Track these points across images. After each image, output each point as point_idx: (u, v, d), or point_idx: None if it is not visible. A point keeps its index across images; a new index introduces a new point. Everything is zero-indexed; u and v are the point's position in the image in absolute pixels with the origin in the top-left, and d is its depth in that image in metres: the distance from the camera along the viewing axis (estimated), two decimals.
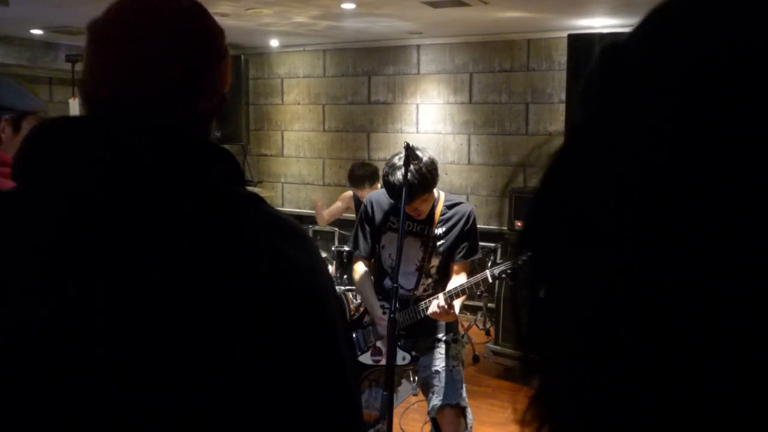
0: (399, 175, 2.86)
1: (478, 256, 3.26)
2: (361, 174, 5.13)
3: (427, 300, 2.97)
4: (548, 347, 0.35)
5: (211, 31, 0.91)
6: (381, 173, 5.05)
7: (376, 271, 3.23)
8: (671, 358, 0.28)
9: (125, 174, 0.78)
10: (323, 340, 0.81)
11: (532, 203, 0.37)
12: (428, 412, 3.12)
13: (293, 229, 0.85)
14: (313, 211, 5.58)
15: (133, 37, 0.84)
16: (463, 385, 3.08)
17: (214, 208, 0.80)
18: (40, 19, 5.54)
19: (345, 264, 4.78)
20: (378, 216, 3.14)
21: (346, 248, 4.85)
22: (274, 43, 7.02)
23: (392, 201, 3.07)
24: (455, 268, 3.12)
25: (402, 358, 3.09)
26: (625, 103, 0.33)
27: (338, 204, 5.56)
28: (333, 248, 5.03)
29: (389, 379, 2.61)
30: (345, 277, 4.77)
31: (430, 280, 3.12)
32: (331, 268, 5.13)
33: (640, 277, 0.29)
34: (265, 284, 0.77)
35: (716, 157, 0.28)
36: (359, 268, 3.23)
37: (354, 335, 3.21)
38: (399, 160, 2.90)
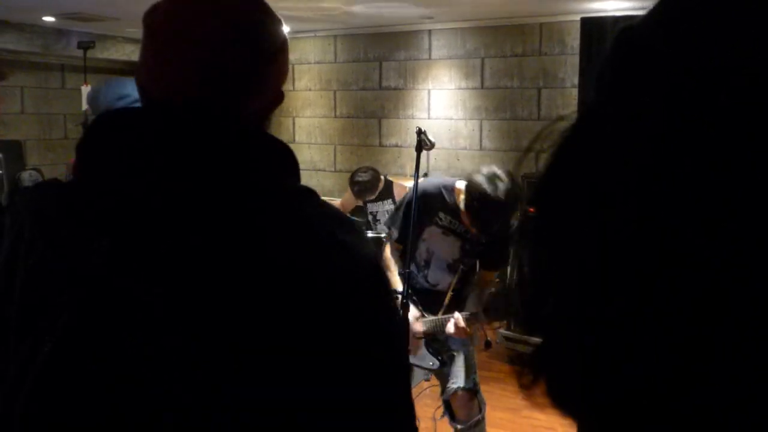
0: (501, 188, 2.69)
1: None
2: (359, 189, 5.09)
3: (448, 316, 2.94)
4: (550, 301, 0.36)
5: (269, 25, 0.89)
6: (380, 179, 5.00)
7: (407, 259, 3.11)
8: (665, 311, 0.30)
9: (183, 173, 0.77)
10: (388, 334, 0.81)
11: (547, 169, 0.38)
12: (441, 394, 3.13)
13: (350, 222, 0.86)
14: (325, 198, 5.57)
15: (188, 32, 0.83)
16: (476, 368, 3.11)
17: (276, 202, 0.80)
18: (52, 6, 5.55)
19: None
20: (426, 207, 2.96)
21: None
22: (284, 28, 7.01)
23: (446, 198, 2.94)
24: (483, 274, 3.13)
25: (431, 362, 3.08)
26: (636, 89, 0.33)
27: (347, 194, 5.55)
28: None
29: None
30: None
31: (456, 278, 3.10)
32: None
33: (641, 238, 0.30)
34: (334, 276, 0.77)
35: (721, 142, 0.28)
36: (388, 253, 3.15)
37: None
38: (493, 184, 2.72)
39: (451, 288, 3.04)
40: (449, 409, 3.14)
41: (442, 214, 3.00)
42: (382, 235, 4.85)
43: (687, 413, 0.29)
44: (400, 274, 2.96)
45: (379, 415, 0.79)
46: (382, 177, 5.27)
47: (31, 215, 0.83)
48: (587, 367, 0.33)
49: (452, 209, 2.92)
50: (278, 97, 0.93)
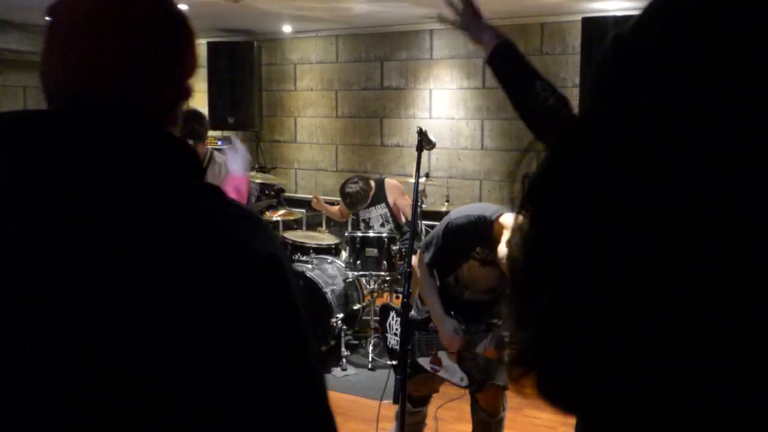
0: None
1: None
2: (351, 202, 4.99)
3: (481, 336, 2.92)
4: (544, 296, 0.36)
5: (172, 18, 0.89)
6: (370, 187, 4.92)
7: (442, 285, 3.04)
8: (663, 304, 0.30)
9: (76, 173, 0.77)
10: (288, 331, 0.80)
11: (543, 168, 0.38)
12: (470, 387, 3.11)
13: (252, 218, 0.84)
14: (327, 197, 5.57)
15: (84, 30, 0.83)
16: None
17: (168, 201, 0.79)
18: (43, 3, 5.55)
19: (358, 249, 4.78)
20: (462, 245, 2.88)
21: (359, 233, 4.86)
22: (286, 29, 7.01)
23: (484, 233, 2.78)
24: None
25: (460, 378, 3.08)
26: (634, 87, 0.33)
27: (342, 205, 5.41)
28: (346, 233, 5.02)
29: (402, 363, 2.62)
30: (358, 262, 4.78)
31: (492, 296, 3.06)
32: (344, 254, 5.14)
33: (638, 232, 0.31)
34: (226, 274, 0.76)
35: (719, 137, 0.28)
36: (426, 274, 3.01)
37: (416, 335, 3.12)
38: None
39: (488, 306, 3.03)
40: (476, 402, 3.16)
41: (479, 249, 2.88)
42: (384, 234, 4.82)
43: (685, 407, 0.29)
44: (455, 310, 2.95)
45: (283, 421, 0.78)
46: (372, 183, 5.10)
47: None
48: (584, 362, 0.33)
49: (490, 242, 2.77)
50: (184, 93, 0.91)
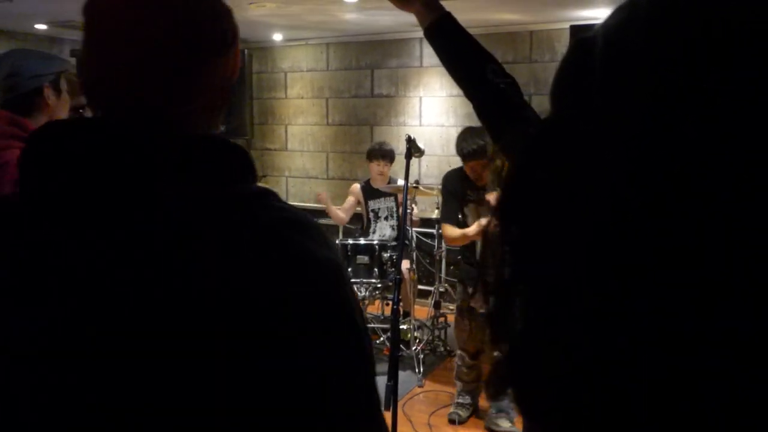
0: (471, 144, 3.60)
1: None
2: (387, 151, 5.37)
3: None
4: (516, 310, 0.36)
5: (218, 16, 0.85)
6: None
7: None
8: (642, 313, 0.29)
9: (129, 180, 0.74)
10: (347, 336, 0.78)
11: (511, 181, 0.38)
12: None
13: (309, 223, 0.81)
14: (318, 205, 5.57)
15: (127, 30, 0.79)
16: None
17: (226, 207, 0.76)
18: (44, 13, 5.55)
19: (349, 257, 4.79)
20: (456, 189, 3.81)
21: (350, 241, 4.87)
22: (277, 37, 7.02)
23: (462, 176, 3.80)
24: None
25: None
26: (614, 89, 0.33)
27: (350, 199, 5.54)
28: (337, 241, 5.04)
29: (393, 368, 2.63)
30: (349, 269, 4.78)
31: None
32: None
33: (618, 237, 0.30)
34: (287, 280, 0.74)
35: (706, 137, 0.28)
36: (452, 227, 3.81)
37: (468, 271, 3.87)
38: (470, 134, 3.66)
39: None
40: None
41: (468, 191, 3.74)
42: (375, 241, 4.85)
43: (663, 416, 0.29)
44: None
45: (340, 412, 0.76)
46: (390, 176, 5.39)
47: None
48: (557, 373, 0.33)
49: (469, 182, 3.75)
50: (225, 92, 0.89)
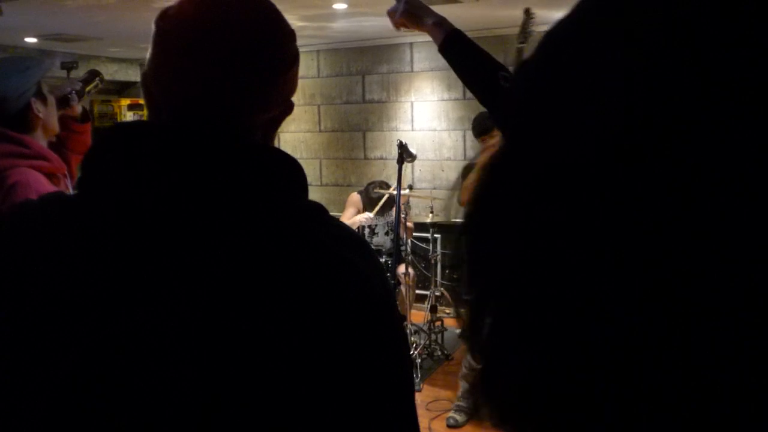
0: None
1: None
2: (372, 203, 5.20)
3: None
4: (487, 320, 0.36)
5: (284, 36, 0.87)
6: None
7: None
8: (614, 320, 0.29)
9: (190, 189, 0.74)
10: (393, 357, 0.78)
11: (477, 198, 0.37)
12: None
13: (360, 241, 0.82)
14: None
15: (200, 45, 0.81)
16: None
17: (281, 221, 0.77)
18: (34, 27, 5.55)
19: None
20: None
21: None
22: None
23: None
24: None
25: None
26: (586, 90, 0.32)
27: (350, 210, 5.47)
28: None
29: None
30: None
31: None
32: None
33: (591, 246, 0.30)
34: (339, 299, 0.74)
35: (688, 139, 0.28)
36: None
37: None
38: None
39: None
40: None
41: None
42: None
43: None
44: None
45: None
46: (386, 195, 5.27)
47: (37, 233, 0.80)
48: (529, 383, 0.33)
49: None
50: (288, 108, 0.91)
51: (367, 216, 5.28)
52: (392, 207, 5.24)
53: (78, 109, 2.57)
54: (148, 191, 0.75)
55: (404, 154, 2.94)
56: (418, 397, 4.35)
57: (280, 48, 0.86)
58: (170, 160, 0.76)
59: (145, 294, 0.72)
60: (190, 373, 0.70)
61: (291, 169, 0.82)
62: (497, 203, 0.36)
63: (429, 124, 6.58)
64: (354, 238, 0.82)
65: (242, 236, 0.74)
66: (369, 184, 5.35)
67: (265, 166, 0.79)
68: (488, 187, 0.36)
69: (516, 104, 0.37)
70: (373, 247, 4.76)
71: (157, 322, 0.71)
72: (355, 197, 5.51)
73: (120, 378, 0.71)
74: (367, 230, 5.29)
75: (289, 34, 0.88)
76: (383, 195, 5.07)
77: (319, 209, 0.83)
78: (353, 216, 5.40)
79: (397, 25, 1.66)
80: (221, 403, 0.70)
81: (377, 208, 5.10)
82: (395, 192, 5.19)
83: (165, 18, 0.83)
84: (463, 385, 3.95)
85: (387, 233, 5.21)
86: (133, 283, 0.73)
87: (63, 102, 2.42)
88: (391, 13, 1.67)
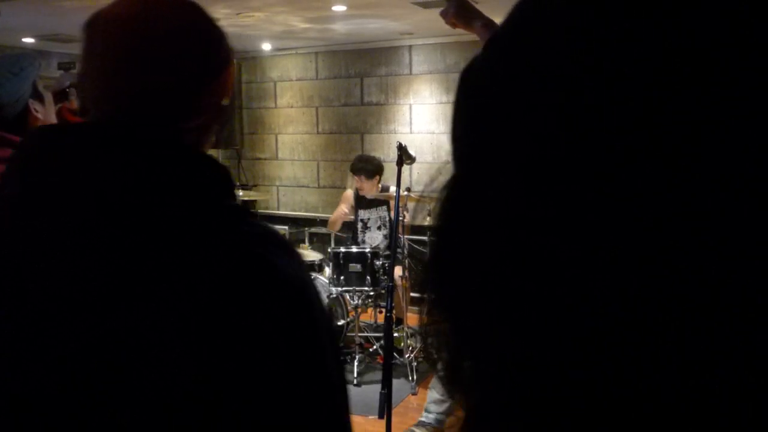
0: None
1: None
2: (361, 166, 5.20)
3: None
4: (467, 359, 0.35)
5: (212, 42, 0.88)
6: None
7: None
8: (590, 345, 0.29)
9: (114, 190, 0.76)
10: (312, 359, 0.79)
11: (440, 238, 0.37)
12: None
13: (282, 242, 0.84)
14: (309, 213, 5.58)
15: (129, 49, 0.82)
16: None
17: (200, 221, 0.78)
18: (31, 27, 5.54)
19: (341, 265, 4.78)
20: None
21: (342, 249, 4.86)
22: (266, 46, 7.03)
23: None
24: None
25: None
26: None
27: (341, 206, 5.54)
28: (329, 250, 5.03)
29: (387, 376, 2.62)
30: (342, 278, 4.78)
31: None
32: (328, 270, 5.14)
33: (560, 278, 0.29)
34: (253, 298, 0.75)
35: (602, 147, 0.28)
36: None
37: None
38: None
39: None
40: None
41: None
42: (367, 249, 4.84)
43: None
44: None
45: None
46: (380, 185, 5.29)
47: None
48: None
49: None
50: (220, 114, 0.91)
51: (343, 212, 5.38)
52: (382, 203, 5.27)
53: (76, 102, 2.57)
54: (71, 197, 0.76)
55: (404, 156, 2.93)
56: (414, 401, 4.34)
57: (207, 54, 0.87)
58: (97, 167, 0.77)
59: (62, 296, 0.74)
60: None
61: (215, 173, 0.83)
62: (468, 214, 0.35)
63: (427, 126, 6.58)
64: (276, 239, 0.83)
65: (160, 235, 0.75)
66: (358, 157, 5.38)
67: (188, 169, 0.80)
68: (457, 203, 0.36)
69: (482, 109, 0.36)
70: (369, 249, 4.79)
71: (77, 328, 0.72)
72: (348, 193, 5.58)
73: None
74: (360, 225, 5.32)
75: (217, 40, 0.89)
76: (372, 159, 5.19)
77: (241, 210, 0.84)
78: (341, 211, 5.46)
79: (453, 25, 1.68)
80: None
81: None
82: (386, 193, 5.24)
83: (92, 24, 0.85)
84: (431, 396, 3.88)
85: (379, 228, 5.24)
86: (87, 282, 0.74)
87: (61, 96, 2.42)
88: (443, 14, 1.68)
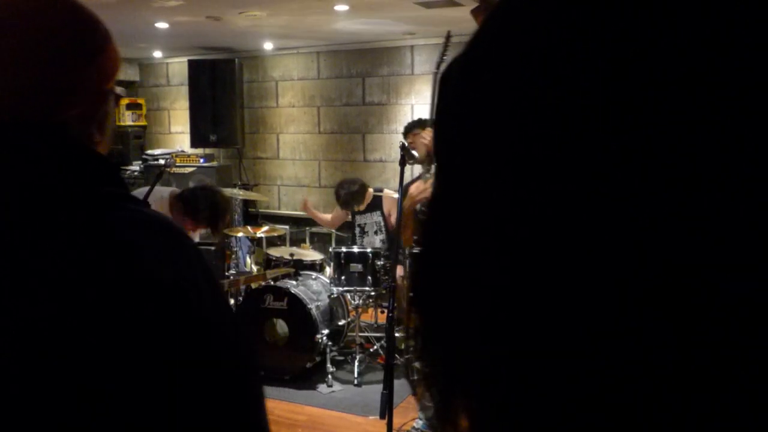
0: None
1: None
2: (347, 200, 5.15)
3: None
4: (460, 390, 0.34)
5: (81, 25, 0.85)
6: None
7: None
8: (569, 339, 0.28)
9: None
10: (189, 343, 0.77)
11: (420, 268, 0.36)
12: None
13: (162, 225, 0.82)
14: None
15: None
16: None
17: (77, 211, 0.77)
18: None
19: (342, 265, 4.78)
20: None
21: (344, 249, 4.86)
22: (267, 45, 7.03)
23: None
24: None
25: None
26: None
27: (337, 210, 5.54)
28: (330, 249, 5.03)
29: (388, 377, 2.62)
30: (343, 278, 4.77)
31: None
32: (329, 270, 5.13)
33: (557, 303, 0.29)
34: (114, 284, 0.74)
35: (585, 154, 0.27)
36: None
37: None
38: None
39: None
40: None
41: None
42: (368, 250, 4.84)
43: None
44: None
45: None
46: (370, 189, 5.26)
47: None
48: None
49: None
50: (102, 98, 0.88)
51: (325, 219, 5.45)
52: (375, 208, 5.26)
53: None
54: None
55: (406, 156, 2.92)
56: (414, 400, 4.34)
57: (75, 38, 0.85)
58: None
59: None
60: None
61: (91, 161, 0.82)
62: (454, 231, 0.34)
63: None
64: (158, 225, 0.82)
65: (32, 228, 0.75)
66: (339, 186, 5.28)
67: (62, 158, 0.79)
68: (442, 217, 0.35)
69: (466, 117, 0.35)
70: (370, 249, 4.78)
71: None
72: (338, 210, 5.57)
73: None
74: (357, 230, 5.32)
75: (86, 22, 0.86)
76: (354, 191, 5.13)
77: (118, 196, 0.82)
78: (337, 214, 5.49)
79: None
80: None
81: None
82: (380, 193, 5.23)
83: None
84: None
85: (376, 233, 5.26)
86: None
87: None
88: (474, 12, 1.70)
